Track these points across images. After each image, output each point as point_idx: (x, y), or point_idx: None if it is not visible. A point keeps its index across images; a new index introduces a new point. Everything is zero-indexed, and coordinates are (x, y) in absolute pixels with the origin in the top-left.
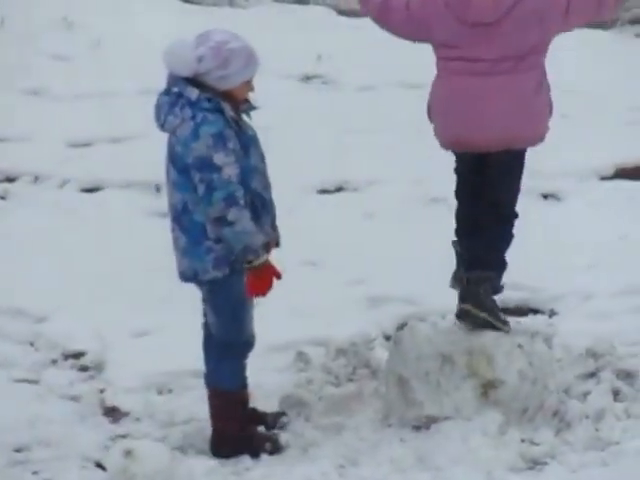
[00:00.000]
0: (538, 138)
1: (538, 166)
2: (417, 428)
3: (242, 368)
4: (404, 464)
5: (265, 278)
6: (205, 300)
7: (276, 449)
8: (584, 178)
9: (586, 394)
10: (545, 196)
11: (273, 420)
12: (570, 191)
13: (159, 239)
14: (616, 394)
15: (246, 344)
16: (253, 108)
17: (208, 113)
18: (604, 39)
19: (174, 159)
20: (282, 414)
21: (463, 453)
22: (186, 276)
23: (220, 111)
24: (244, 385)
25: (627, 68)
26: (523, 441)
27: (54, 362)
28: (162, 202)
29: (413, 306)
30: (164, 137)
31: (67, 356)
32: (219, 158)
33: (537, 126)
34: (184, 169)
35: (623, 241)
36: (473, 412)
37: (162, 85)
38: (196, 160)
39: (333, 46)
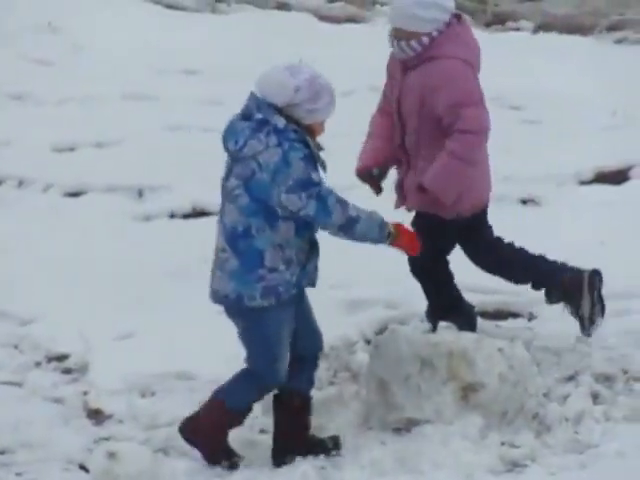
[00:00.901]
0: None
1: (517, 171)
2: (398, 431)
3: (258, 398)
4: (385, 467)
5: (409, 235)
6: (243, 328)
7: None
8: (563, 183)
9: (565, 397)
10: (524, 201)
11: (334, 443)
12: (549, 196)
13: (142, 243)
14: (595, 397)
15: (275, 384)
16: (322, 149)
17: (295, 142)
18: (583, 45)
19: (251, 184)
20: (337, 437)
21: (444, 456)
22: (228, 299)
23: (304, 142)
24: (248, 410)
25: (606, 74)
26: (503, 444)
27: (38, 364)
28: (145, 206)
29: (394, 310)
30: (147, 142)
31: (51, 359)
32: (315, 175)
33: None
34: (260, 196)
35: (602, 245)
36: (453, 415)
37: (146, 90)
38: (297, 182)
39: (314, 52)
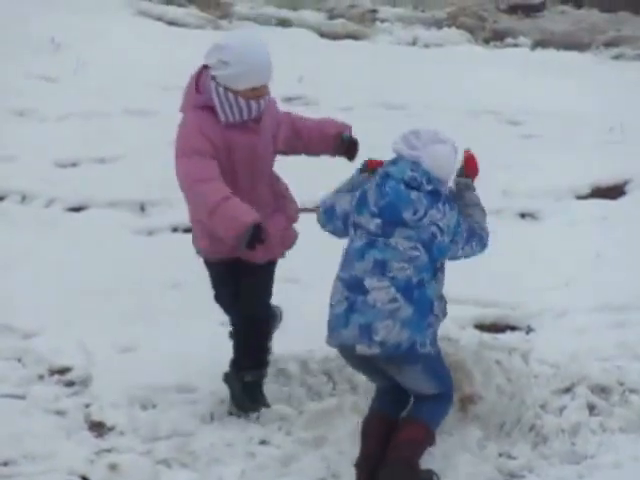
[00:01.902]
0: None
1: (516, 186)
2: None
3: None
4: None
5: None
6: (414, 371)
7: None
8: (561, 197)
9: (562, 409)
10: (522, 215)
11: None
12: (547, 210)
13: (144, 257)
14: (591, 409)
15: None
16: None
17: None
18: (581, 61)
19: (432, 246)
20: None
21: (442, 467)
22: (399, 348)
23: None
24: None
25: (603, 90)
26: (501, 455)
27: (40, 377)
28: (147, 221)
29: None
30: (149, 157)
31: (53, 372)
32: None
33: None
34: (439, 255)
35: (598, 259)
36: (452, 427)
37: (148, 106)
38: (467, 233)
39: (314, 68)
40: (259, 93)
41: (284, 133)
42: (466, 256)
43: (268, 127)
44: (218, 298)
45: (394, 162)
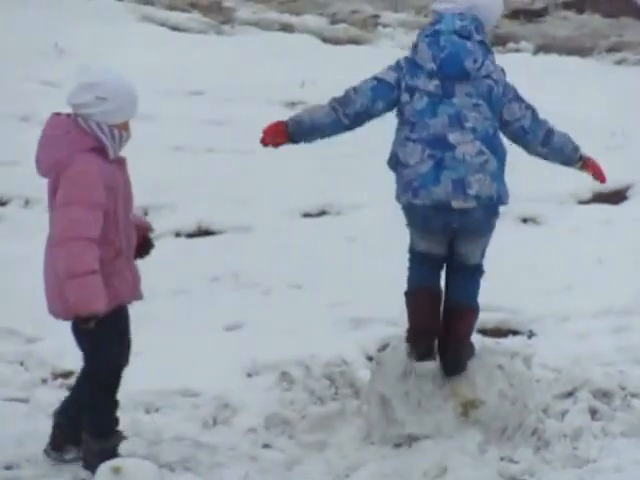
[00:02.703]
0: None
1: (517, 190)
2: (398, 446)
3: None
4: None
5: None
6: (489, 227)
7: None
8: (563, 202)
9: (564, 413)
10: (524, 220)
11: None
12: (549, 215)
13: (147, 261)
14: (593, 413)
15: None
16: None
17: None
18: (583, 66)
19: (491, 98)
20: None
21: (444, 470)
22: (492, 200)
23: None
24: None
25: (606, 95)
26: (502, 459)
27: (44, 381)
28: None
29: (395, 327)
30: (152, 162)
31: (56, 375)
32: None
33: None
34: (497, 106)
35: (600, 264)
36: (453, 431)
37: (151, 111)
38: (516, 94)
39: (317, 72)
40: (127, 126)
41: None
42: (515, 120)
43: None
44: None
45: (437, 20)
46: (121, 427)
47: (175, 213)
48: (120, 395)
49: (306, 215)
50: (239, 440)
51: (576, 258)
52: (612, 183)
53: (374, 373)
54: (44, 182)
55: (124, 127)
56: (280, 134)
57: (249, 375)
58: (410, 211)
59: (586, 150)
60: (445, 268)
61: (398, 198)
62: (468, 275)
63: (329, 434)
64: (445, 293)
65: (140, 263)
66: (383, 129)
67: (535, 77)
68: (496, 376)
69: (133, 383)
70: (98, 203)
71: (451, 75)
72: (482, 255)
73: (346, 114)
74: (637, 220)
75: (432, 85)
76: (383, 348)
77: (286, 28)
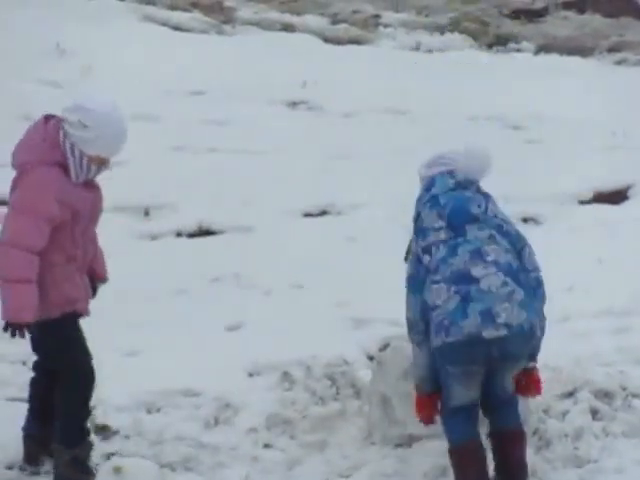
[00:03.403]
0: None
1: (517, 190)
2: (399, 446)
3: None
4: None
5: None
6: (523, 356)
7: None
8: (563, 202)
9: (565, 413)
10: (525, 220)
11: None
12: (549, 215)
13: (148, 261)
14: (594, 413)
15: None
16: None
17: None
18: (584, 66)
19: (502, 232)
20: None
21: (444, 470)
22: (524, 327)
23: None
24: None
25: (606, 95)
26: None
27: None
28: (151, 225)
29: (396, 327)
30: (153, 162)
31: None
32: None
33: None
34: (512, 241)
35: (601, 264)
36: None
37: (152, 111)
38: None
39: (318, 73)
40: (104, 162)
41: None
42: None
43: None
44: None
45: (431, 184)
46: (123, 427)
47: (176, 213)
48: (122, 395)
49: (307, 215)
50: (240, 440)
51: (577, 258)
52: (612, 183)
53: (375, 373)
54: None
55: (98, 160)
56: (429, 404)
57: (250, 375)
58: (447, 351)
59: (587, 150)
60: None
61: (433, 342)
62: (509, 399)
63: (330, 434)
64: (490, 421)
65: (141, 264)
66: (383, 129)
67: (536, 77)
68: None
69: (135, 383)
70: (46, 216)
71: (459, 224)
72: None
73: (420, 332)
74: (637, 220)
75: (443, 234)
76: (384, 348)
77: (287, 28)
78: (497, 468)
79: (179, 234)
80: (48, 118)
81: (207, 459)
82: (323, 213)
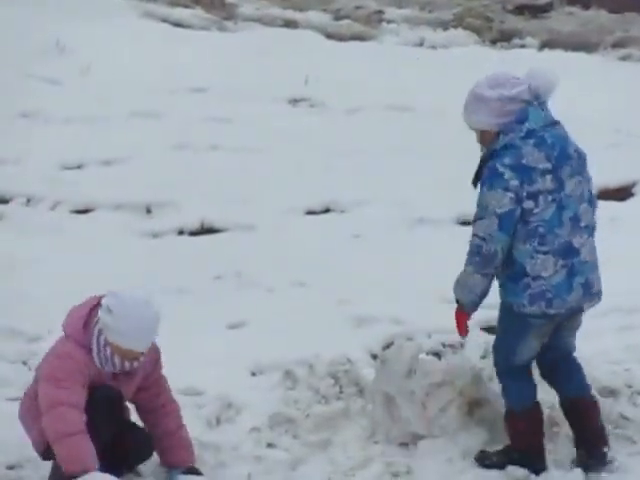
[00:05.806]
0: None
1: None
2: (403, 445)
3: None
4: None
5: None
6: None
7: None
8: None
9: None
10: None
11: None
12: None
13: (150, 259)
14: None
15: None
16: None
17: None
18: (588, 62)
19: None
20: None
21: (448, 471)
22: (600, 294)
23: None
24: None
25: (611, 91)
26: None
27: None
28: (153, 223)
29: (399, 326)
30: (155, 159)
31: None
32: None
33: None
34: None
35: (606, 261)
36: (458, 429)
37: (153, 108)
38: None
39: (320, 69)
40: (133, 355)
41: (143, 394)
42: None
43: (137, 380)
44: None
45: (524, 117)
46: None
47: (178, 211)
48: None
49: (310, 213)
50: (243, 439)
51: None
52: (618, 180)
53: (379, 372)
54: (46, 180)
55: (122, 352)
56: (466, 320)
57: (253, 374)
58: (541, 318)
59: (591, 146)
60: (547, 366)
61: (519, 307)
62: (577, 366)
63: (333, 433)
64: (560, 390)
65: (142, 260)
66: (385, 125)
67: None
68: None
69: None
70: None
71: (561, 165)
72: None
73: (495, 267)
74: None
75: (549, 182)
76: (387, 346)
77: (289, 24)
78: (577, 440)
79: (181, 232)
80: (92, 306)
81: (209, 458)
82: (326, 211)
